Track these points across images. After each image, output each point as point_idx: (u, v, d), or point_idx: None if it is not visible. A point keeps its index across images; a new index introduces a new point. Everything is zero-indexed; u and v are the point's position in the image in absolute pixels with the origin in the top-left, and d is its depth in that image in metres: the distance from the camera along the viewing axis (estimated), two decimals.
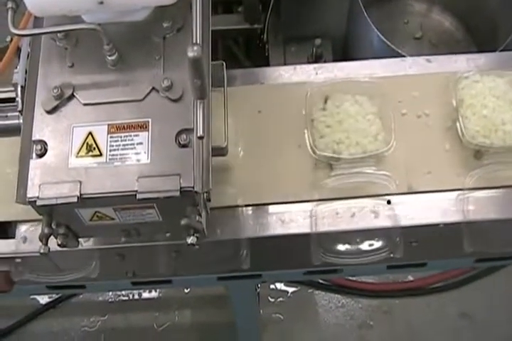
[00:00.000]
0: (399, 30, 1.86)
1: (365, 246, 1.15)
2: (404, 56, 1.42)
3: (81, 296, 2.30)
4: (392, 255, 1.14)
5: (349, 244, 1.15)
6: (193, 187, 0.91)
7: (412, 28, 1.86)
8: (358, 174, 1.15)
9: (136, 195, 0.90)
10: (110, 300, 2.31)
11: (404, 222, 1.13)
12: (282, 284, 2.29)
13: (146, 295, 2.31)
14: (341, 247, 1.15)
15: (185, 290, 2.28)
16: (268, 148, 1.17)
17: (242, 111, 1.18)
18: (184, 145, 0.93)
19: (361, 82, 1.19)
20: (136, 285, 1.26)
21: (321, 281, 2.29)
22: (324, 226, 1.12)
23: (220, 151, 1.04)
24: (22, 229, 1.15)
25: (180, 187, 0.90)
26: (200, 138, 0.91)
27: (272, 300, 2.29)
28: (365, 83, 1.19)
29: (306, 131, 1.15)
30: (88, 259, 1.17)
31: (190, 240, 0.96)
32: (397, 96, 1.19)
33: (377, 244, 1.15)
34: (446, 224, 1.12)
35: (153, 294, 2.31)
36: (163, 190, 0.90)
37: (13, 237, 1.15)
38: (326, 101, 1.18)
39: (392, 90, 1.18)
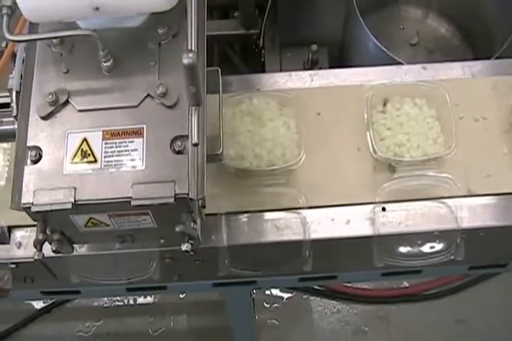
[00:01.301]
0: (395, 36, 1.87)
1: (426, 248, 1.16)
2: (400, 62, 1.42)
3: (76, 301, 2.30)
4: (452, 257, 1.15)
5: (412, 246, 1.16)
6: (188, 194, 0.90)
7: (408, 34, 1.87)
8: (420, 176, 1.16)
9: (130, 201, 0.90)
10: (105, 305, 2.31)
11: (466, 224, 1.14)
12: (278, 290, 2.29)
13: (141, 300, 2.31)
14: (403, 249, 1.16)
15: (181, 296, 2.28)
16: (328, 151, 1.18)
17: (301, 114, 1.19)
18: (179, 152, 0.92)
19: (420, 85, 1.21)
20: (131, 291, 1.26)
21: (316, 287, 2.29)
22: (386, 228, 1.14)
23: (215, 158, 1.04)
24: (17, 234, 1.15)
25: (175, 194, 0.90)
26: (195, 145, 0.91)
27: (268, 305, 2.28)
28: (423, 86, 1.20)
29: (368, 134, 1.16)
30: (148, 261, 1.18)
31: (185, 247, 0.96)
32: (454, 99, 1.19)
33: (439, 246, 1.16)
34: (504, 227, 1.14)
35: (149, 299, 2.30)
36: (157, 196, 0.90)
37: (8, 243, 1.15)
38: (385, 104, 1.19)
39: (449, 93, 1.18)
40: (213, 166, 1.13)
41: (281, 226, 1.14)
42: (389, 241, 1.14)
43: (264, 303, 2.28)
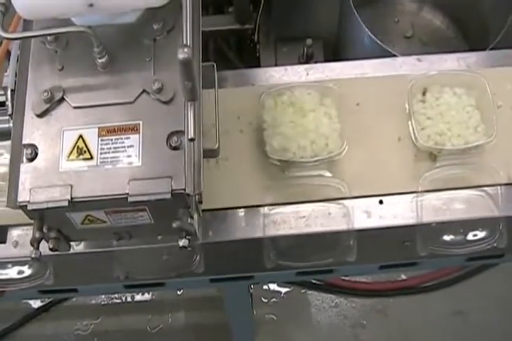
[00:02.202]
0: (390, 29, 1.87)
1: (469, 236, 1.17)
2: (395, 55, 1.42)
3: (74, 299, 2.29)
4: (495, 245, 1.15)
5: (455, 234, 1.17)
6: (185, 190, 0.90)
7: (403, 27, 1.87)
8: (461, 165, 1.17)
9: (127, 197, 0.90)
10: (103, 302, 2.30)
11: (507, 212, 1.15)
12: (275, 285, 2.29)
13: (138, 297, 2.30)
14: (447, 238, 1.17)
15: (178, 292, 2.28)
16: (368, 141, 1.19)
17: (342, 104, 1.19)
18: (175, 148, 0.92)
19: (458, 74, 1.22)
20: (129, 288, 1.26)
21: (314, 281, 2.29)
22: (431, 217, 1.15)
23: (211, 153, 1.04)
24: (13, 233, 1.15)
25: (172, 190, 0.90)
26: (191, 140, 0.91)
27: (265, 300, 2.28)
28: (462, 75, 1.21)
29: (409, 123, 1.18)
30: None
31: (182, 243, 0.96)
32: (493, 88, 1.19)
33: (481, 234, 1.16)
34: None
35: (146, 296, 2.30)
36: (154, 192, 0.90)
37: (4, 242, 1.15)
38: (424, 94, 1.20)
39: (487, 82, 1.19)
40: (255, 158, 1.17)
41: (325, 216, 1.15)
42: (433, 229, 1.15)
43: (262, 298, 2.28)
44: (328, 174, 1.16)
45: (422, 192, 1.15)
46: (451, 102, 1.19)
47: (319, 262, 1.15)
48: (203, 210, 1.08)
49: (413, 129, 1.17)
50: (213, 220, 1.15)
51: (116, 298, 2.30)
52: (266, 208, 1.15)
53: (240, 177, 1.17)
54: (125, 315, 2.29)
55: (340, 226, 1.14)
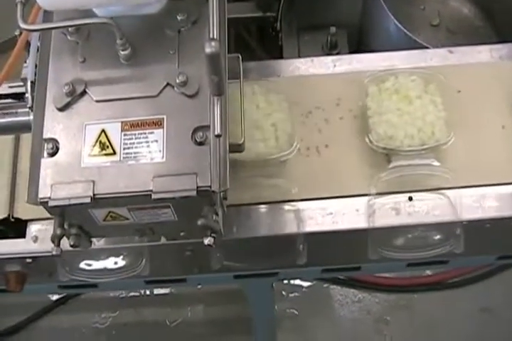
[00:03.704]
0: (415, 16, 1.84)
1: None
2: (423, 45, 1.40)
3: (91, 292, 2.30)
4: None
5: None
6: (210, 187, 0.89)
7: (429, 14, 1.84)
8: None
9: (151, 194, 0.89)
10: (121, 296, 2.30)
11: None
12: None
13: (157, 290, 2.31)
14: None
15: (198, 286, 2.28)
16: (472, 129, 1.18)
17: (442, 92, 1.17)
18: (200, 143, 0.91)
19: None
20: (150, 283, 1.25)
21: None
22: None
23: (237, 148, 1.02)
24: (33, 228, 1.14)
25: (197, 187, 0.89)
26: (218, 136, 0.90)
27: (287, 294, 2.28)
28: None
29: None
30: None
31: (207, 241, 0.95)
32: None
33: None
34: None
35: (165, 290, 2.30)
36: (179, 189, 0.89)
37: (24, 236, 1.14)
38: None
39: None
40: (357, 146, 1.16)
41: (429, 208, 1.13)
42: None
43: (283, 292, 2.28)
44: (436, 163, 1.15)
45: None
46: None
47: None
48: (293, 200, 1.10)
49: None
50: (237, 216, 1.13)
51: (135, 291, 2.31)
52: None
53: (342, 166, 1.16)
54: (144, 308, 2.29)
55: (447, 217, 1.13)
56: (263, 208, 1.13)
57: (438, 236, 1.14)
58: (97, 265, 1.16)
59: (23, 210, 1.15)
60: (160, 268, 1.18)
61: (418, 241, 1.15)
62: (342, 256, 1.20)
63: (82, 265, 1.16)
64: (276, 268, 1.16)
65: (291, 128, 1.14)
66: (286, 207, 1.13)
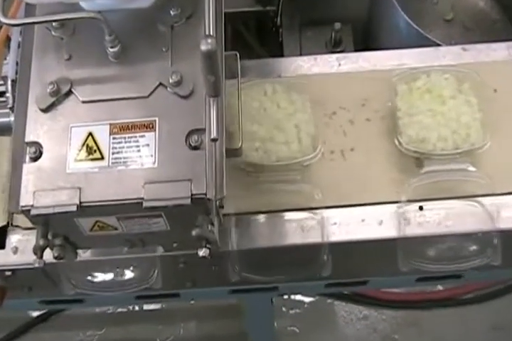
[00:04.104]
0: (427, 11, 1.84)
1: None
2: (435, 42, 1.40)
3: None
4: None
5: None
6: (206, 194, 0.90)
7: (442, 8, 1.84)
8: None
9: (142, 202, 0.89)
10: (108, 311, 2.30)
11: None
12: None
13: (148, 306, 2.30)
14: None
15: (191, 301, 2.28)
16: (507, 132, 1.18)
17: (477, 92, 1.17)
18: (195, 147, 0.92)
19: None
20: (141, 299, 1.25)
21: None
22: None
23: (234, 153, 1.03)
24: (13, 238, 1.14)
25: (192, 194, 0.89)
26: (214, 140, 0.90)
27: (287, 311, 2.28)
28: None
29: None
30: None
31: (202, 252, 0.95)
32: None
33: None
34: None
35: (156, 305, 2.30)
36: (172, 197, 0.89)
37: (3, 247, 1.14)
38: None
39: None
40: (385, 149, 1.16)
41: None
42: None
43: (283, 308, 2.28)
44: (471, 168, 1.14)
45: None
46: None
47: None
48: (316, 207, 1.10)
49: None
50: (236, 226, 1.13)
51: (123, 307, 2.30)
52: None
53: (369, 171, 1.16)
54: (133, 325, 2.29)
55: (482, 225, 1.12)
56: (282, 216, 1.13)
57: (473, 247, 1.14)
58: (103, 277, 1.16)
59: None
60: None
61: (451, 252, 1.15)
62: (370, 267, 1.20)
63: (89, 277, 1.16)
64: (299, 280, 1.16)
65: (314, 130, 1.14)
66: (309, 214, 1.13)
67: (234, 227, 1.10)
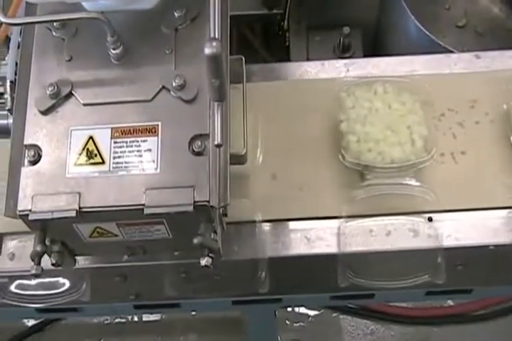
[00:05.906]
0: (439, 17, 1.85)
1: None
2: (448, 49, 1.41)
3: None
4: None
5: None
6: (209, 201, 0.90)
7: (455, 14, 1.85)
8: None
9: (143, 209, 0.90)
10: (106, 321, 2.30)
11: None
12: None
13: (147, 316, 2.30)
14: None
15: (192, 312, 2.27)
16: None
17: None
18: (199, 153, 0.92)
19: None
20: (139, 308, 1.25)
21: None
22: None
23: (238, 159, 1.03)
24: (9, 244, 1.14)
25: (194, 201, 0.90)
26: (218, 146, 0.90)
27: (291, 324, 2.27)
28: None
29: None
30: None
31: (205, 261, 0.95)
32: None
33: None
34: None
35: (156, 316, 2.29)
36: (174, 204, 0.90)
37: None
38: None
39: None
40: (498, 153, 1.15)
41: None
42: None
43: (287, 321, 2.27)
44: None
45: None
46: None
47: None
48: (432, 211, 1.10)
49: None
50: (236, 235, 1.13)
51: (121, 317, 2.30)
52: None
53: (482, 175, 1.16)
54: (131, 337, 2.29)
55: None
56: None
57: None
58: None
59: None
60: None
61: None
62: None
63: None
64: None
65: (427, 131, 1.14)
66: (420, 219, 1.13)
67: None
